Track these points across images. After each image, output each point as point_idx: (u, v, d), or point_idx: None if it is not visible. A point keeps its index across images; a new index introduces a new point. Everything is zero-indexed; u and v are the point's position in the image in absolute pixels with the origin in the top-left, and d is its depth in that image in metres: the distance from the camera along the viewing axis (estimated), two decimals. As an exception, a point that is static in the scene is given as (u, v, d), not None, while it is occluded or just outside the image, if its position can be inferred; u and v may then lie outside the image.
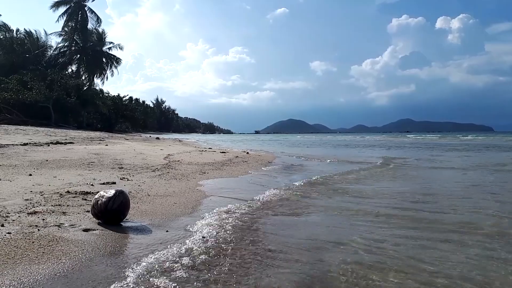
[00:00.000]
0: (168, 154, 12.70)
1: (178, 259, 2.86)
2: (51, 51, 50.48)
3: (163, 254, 2.96)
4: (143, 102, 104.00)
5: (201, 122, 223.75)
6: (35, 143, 13.01)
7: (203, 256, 2.95)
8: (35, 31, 49.30)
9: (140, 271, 2.61)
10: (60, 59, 50.43)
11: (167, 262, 2.79)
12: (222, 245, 3.25)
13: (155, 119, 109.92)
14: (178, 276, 2.55)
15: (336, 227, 4.09)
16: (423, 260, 2.99)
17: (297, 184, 7.12)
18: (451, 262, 2.98)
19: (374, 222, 4.21)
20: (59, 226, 3.49)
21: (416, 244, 3.42)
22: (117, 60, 53.74)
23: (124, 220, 3.87)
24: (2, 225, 3.33)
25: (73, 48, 50.94)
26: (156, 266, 2.70)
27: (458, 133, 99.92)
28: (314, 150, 23.48)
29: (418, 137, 54.48)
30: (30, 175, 6.19)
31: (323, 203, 5.39)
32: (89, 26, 51.35)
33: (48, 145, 12.63)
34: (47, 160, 8.29)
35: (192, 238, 3.42)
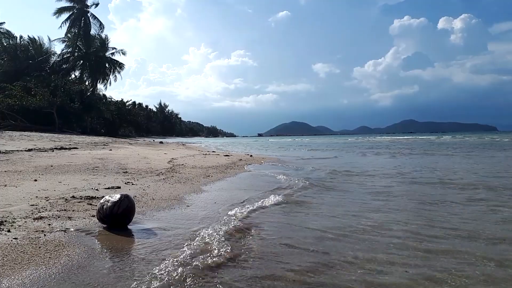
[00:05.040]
0: (172, 158, 12.73)
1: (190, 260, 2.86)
2: (55, 57, 50.89)
3: (171, 260, 2.96)
4: (146, 106, 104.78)
5: (204, 125, 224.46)
6: (39, 148, 13.07)
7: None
8: (39, 37, 49.80)
9: (152, 272, 2.61)
10: (63, 65, 50.74)
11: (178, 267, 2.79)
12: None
13: (158, 123, 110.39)
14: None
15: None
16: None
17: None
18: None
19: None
20: (65, 231, 3.50)
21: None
22: (120, 65, 54.01)
23: (130, 223, 3.87)
24: (9, 231, 3.34)
25: (76, 54, 51.23)
26: (167, 267, 2.71)
27: (463, 133, 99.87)
28: (320, 153, 23.45)
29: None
30: (35, 180, 6.22)
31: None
32: (92, 32, 51.68)
33: (53, 151, 12.68)
34: (51, 166, 8.33)
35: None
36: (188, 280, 2.55)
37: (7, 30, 48.80)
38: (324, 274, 2.73)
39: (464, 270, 2.81)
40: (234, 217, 4.40)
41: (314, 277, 2.69)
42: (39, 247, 3.01)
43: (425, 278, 2.68)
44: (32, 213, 4.01)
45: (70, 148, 14.52)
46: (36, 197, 4.87)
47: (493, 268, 2.85)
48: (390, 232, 3.87)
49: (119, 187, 6.02)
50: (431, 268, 2.85)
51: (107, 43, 52.62)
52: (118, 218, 3.70)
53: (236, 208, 4.90)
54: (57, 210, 4.23)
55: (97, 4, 51.58)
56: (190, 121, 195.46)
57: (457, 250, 3.26)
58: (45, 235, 3.32)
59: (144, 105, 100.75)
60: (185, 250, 3.13)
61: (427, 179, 8.22)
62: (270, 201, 5.52)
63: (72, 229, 3.57)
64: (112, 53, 53.19)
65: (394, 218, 4.48)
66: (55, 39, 50.47)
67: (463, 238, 3.63)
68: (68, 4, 49.92)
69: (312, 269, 2.83)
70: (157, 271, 2.67)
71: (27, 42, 48.67)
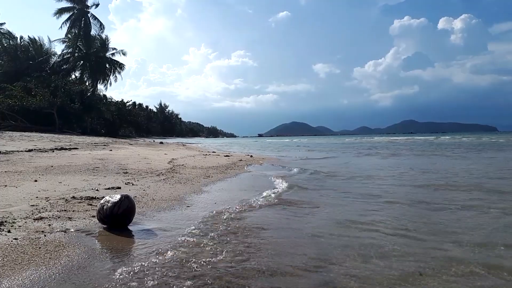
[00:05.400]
0: (172, 159, 12.72)
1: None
2: (55, 58, 50.94)
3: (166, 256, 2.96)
4: (147, 107, 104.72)
5: (205, 126, 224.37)
6: (39, 149, 13.08)
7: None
8: (39, 38, 49.82)
9: (152, 273, 2.61)
10: (64, 66, 50.79)
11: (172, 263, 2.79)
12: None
13: (159, 123, 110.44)
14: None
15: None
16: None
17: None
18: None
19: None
20: (65, 231, 3.50)
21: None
22: (120, 66, 54.07)
23: (130, 224, 3.87)
24: (9, 231, 3.34)
25: (76, 55, 51.29)
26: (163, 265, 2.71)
27: (462, 133, 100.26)
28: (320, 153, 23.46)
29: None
30: (36, 181, 6.22)
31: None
32: (92, 32, 51.76)
33: (53, 151, 12.68)
34: (52, 166, 8.33)
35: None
36: (187, 282, 2.55)
37: (8, 31, 48.88)
38: (320, 271, 2.74)
39: (453, 268, 2.82)
40: (233, 218, 4.40)
41: (312, 272, 2.69)
42: (39, 248, 3.01)
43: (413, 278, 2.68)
44: (32, 214, 4.01)
45: (70, 149, 14.52)
46: (37, 197, 4.87)
47: (482, 271, 2.84)
48: (381, 231, 3.87)
49: (119, 188, 6.02)
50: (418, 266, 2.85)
51: (108, 44, 52.72)
52: (118, 218, 3.70)
53: (235, 209, 4.90)
54: (57, 211, 4.23)
55: (97, 5, 51.70)
56: (190, 122, 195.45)
57: (448, 250, 3.27)
58: (45, 235, 3.32)
59: (144, 106, 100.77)
60: (185, 251, 3.13)
61: (422, 181, 8.15)
62: (269, 202, 5.52)
63: (72, 230, 3.57)
64: (113, 54, 53.30)
65: (388, 218, 4.48)
66: (56, 40, 50.61)
67: (453, 239, 3.61)
68: (68, 4, 50.05)
69: (310, 265, 2.86)
70: (156, 271, 2.67)
71: (28, 42, 48.70)
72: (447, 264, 2.94)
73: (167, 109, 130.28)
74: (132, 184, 6.51)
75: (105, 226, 3.75)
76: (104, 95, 55.45)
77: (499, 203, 5.36)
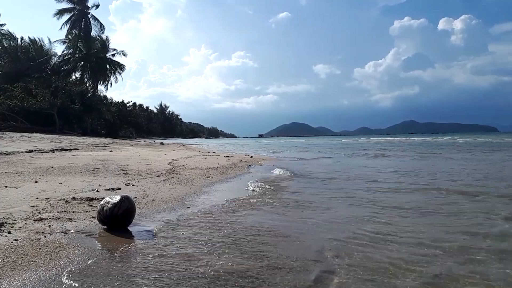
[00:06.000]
0: (173, 159, 12.73)
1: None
2: (55, 59, 50.97)
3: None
4: (147, 107, 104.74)
5: (205, 126, 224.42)
6: (40, 150, 13.08)
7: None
8: (39, 39, 49.83)
9: (152, 274, 2.61)
10: (64, 66, 50.81)
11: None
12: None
13: (159, 124, 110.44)
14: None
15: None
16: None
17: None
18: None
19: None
20: (65, 232, 3.50)
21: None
22: (121, 67, 54.08)
23: (131, 225, 3.87)
24: (9, 232, 3.34)
25: (77, 55, 51.32)
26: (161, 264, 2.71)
27: (462, 134, 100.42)
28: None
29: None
30: (36, 182, 6.22)
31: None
32: (93, 33, 51.82)
33: (53, 152, 12.69)
34: (52, 167, 8.33)
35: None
36: (187, 282, 2.56)
37: (8, 32, 48.94)
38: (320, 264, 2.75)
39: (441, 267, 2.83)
40: (234, 218, 4.41)
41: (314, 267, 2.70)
42: (40, 249, 3.01)
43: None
44: (32, 215, 4.01)
45: (70, 149, 14.53)
46: (37, 198, 4.87)
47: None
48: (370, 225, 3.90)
49: (119, 189, 6.03)
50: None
51: (108, 45, 52.73)
52: (118, 219, 3.70)
53: (235, 209, 4.91)
54: (58, 212, 4.23)
55: (97, 6, 51.77)
56: (190, 122, 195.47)
57: (429, 252, 3.28)
58: (45, 236, 3.32)
59: (144, 106, 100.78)
60: (185, 252, 3.14)
61: (408, 182, 8.05)
62: (270, 202, 5.52)
63: (73, 231, 3.57)
64: (113, 54, 53.30)
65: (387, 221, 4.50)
66: (56, 41, 50.62)
67: (428, 243, 3.59)
68: (68, 5, 50.11)
69: (308, 262, 2.87)
70: (156, 272, 2.68)
71: (28, 43, 48.70)
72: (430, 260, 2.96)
73: (167, 110, 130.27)
74: (132, 185, 6.51)
75: (105, 227, 3.75)
76: (105, 96, 55.51)
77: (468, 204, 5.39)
